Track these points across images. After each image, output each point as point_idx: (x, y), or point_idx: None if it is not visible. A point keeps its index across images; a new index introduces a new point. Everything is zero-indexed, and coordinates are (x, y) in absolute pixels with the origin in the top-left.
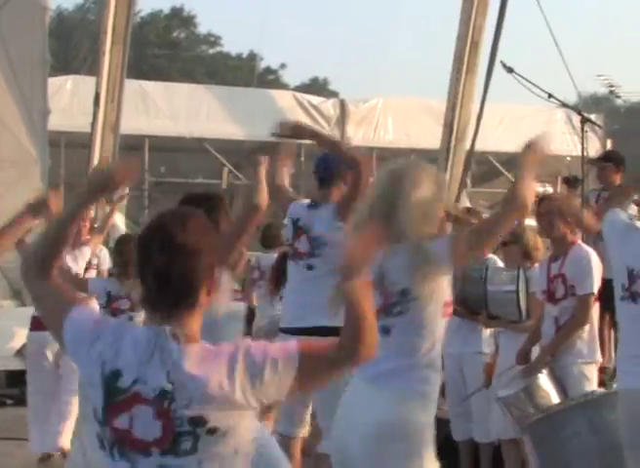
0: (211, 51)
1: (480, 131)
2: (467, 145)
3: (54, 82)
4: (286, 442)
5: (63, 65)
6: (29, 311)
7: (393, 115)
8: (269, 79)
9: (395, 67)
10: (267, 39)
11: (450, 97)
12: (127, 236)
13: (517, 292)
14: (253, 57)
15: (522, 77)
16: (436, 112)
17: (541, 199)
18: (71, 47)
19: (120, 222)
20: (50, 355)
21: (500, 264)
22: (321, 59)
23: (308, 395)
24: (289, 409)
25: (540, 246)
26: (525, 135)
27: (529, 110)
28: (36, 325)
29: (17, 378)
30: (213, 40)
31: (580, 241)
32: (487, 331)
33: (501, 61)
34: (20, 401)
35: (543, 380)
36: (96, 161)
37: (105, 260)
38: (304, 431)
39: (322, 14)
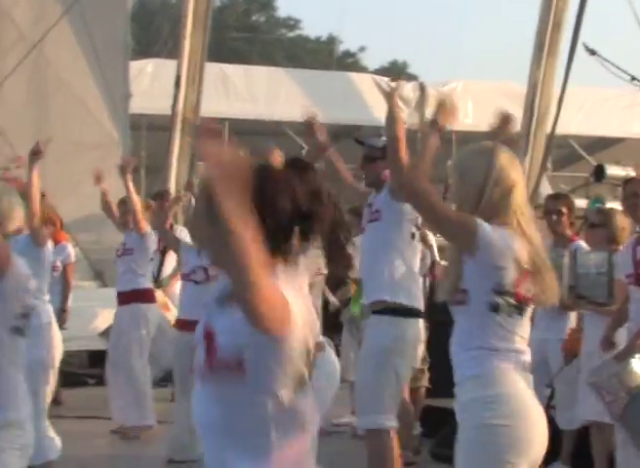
0: (290, 34)
1: (561, 114)
2: (548, 129)
3: (135, 65)
4: None
5: (145, 49)
6: (111, 292)
7: (473, 98)
8: (348, 62)
9: (475, 50)
10: (347, 22)
11: (530, 80)
12: None
13: (609, 273)
14: (332, 40)
15: (605, 59)
16: (517, 96)
17: (627, 181)
18: (152, 31)
19: None
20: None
21: (586, 247)
22: (400, 43)
23: None
24: None
25: (627, 226)
26: (607, 118)
27: (611, 93)
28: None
29: (98, 358)
30: (292, 23)
31: None
32: (572, 318)
33: (584, 43)
34: (102, 380)
35: (636, 365)
36: (176, 143)
37: None
38: None
39: None
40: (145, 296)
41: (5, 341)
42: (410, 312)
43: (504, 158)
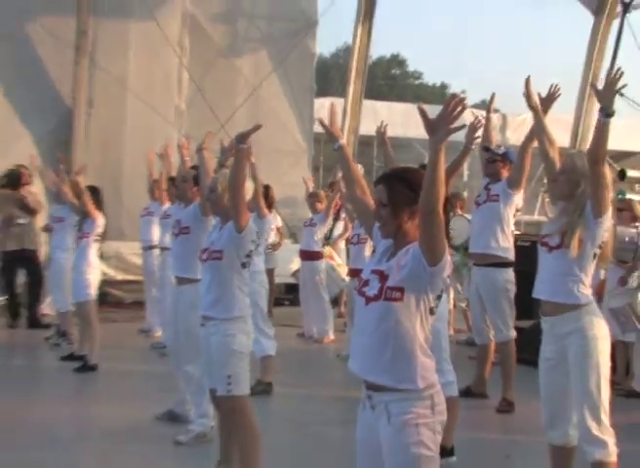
0: (416, 82)
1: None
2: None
3: (317, 102)
4: None
5: (323, 91)
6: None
7: None
8: None
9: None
10: (456, 71)
11: (576, 111)
12: None
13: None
14: (444, 86)
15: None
16: (564, 123)
17: None
18: (328, 78)
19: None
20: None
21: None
22: (491, 85)
23: None
24: None
25: None
26: (627, 136)
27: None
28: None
29: (292, 288)
30: (417, 75)
31: None
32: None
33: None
34: (293, 302)
35: None
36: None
37: None
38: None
39: (500, 51)
40: (317, 256)
41: (238, 270)
42: (510, 263)
43: None
